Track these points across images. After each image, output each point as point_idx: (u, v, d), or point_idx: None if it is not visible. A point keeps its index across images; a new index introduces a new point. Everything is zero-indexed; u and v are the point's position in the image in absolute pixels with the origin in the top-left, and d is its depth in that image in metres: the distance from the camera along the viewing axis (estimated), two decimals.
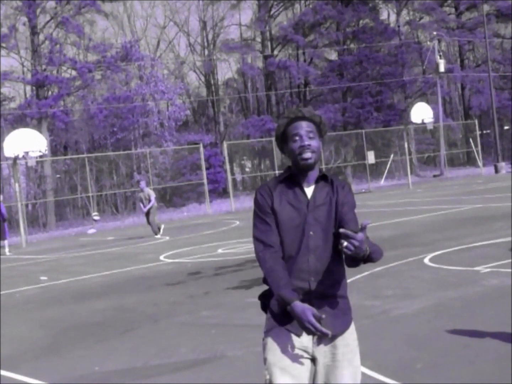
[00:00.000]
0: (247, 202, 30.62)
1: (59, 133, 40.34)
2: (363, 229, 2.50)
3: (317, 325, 2.52)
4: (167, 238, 18.70)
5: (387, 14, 53.19)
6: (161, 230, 19.45)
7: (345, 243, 2.47)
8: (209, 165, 37.20)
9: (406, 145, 33.53)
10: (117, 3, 46.33)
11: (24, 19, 37.76)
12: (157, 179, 37.13)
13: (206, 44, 51.37)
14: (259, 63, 52.55)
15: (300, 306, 2.55)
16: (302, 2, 52.64)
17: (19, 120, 36.98)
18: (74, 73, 39.61)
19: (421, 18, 51.11)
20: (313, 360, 2.75)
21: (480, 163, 37.81)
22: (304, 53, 50.63)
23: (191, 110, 50.81)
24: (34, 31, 37.48)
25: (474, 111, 50.14)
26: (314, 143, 2.76)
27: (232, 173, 40.47)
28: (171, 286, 10.06)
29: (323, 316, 2.54)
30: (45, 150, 24.22)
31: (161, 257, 13.86)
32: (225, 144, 30.74)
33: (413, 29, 49.91)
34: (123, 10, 50.31)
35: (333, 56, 51.00)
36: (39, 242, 24.63)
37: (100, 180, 38.50)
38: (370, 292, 7.76)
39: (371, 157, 34.71)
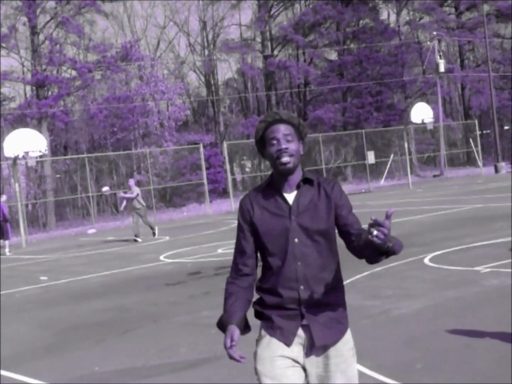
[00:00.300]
0: None
1: (59, 133, 40.34)
2: (388, 217, 2.33)
3: (230, 353, 2.54)
4: (167, 238, 18.70)
5: (387, 14, 53.25)
6: (156, 232, 19.08)
7: (375, 232, 2.31)
8: (209, 165, 37.20)
9: (406, 145, 33.52)
10: (117, 3, 46.34)
11: (24, 19, 37.74)
12: (157, 179, 37.13)
13: (206, 44, 51.39)
14: (259, 63, 52.56)
15: (228, 331, 2.59)
16: (302, 2, 52.65)
17: (19, 120, 36.97)
18: (74, 73, 39.60)
19: (421, 18, 51.11)
20: (305, 370, 2.67)
21: (480, 163, 37.81)
22: (304, 53, 50.63)
23: (191, 110, 50.81)
24: (34, 31, 37.47)
25: (474, 111, 50.14)
26: (292, 146, 2.66)
27: (232, 173, 40.46)
28: (171, 286, 10.06)
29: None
30: (45, 150, 24.22)
31: (161, 257, 13.87)
32: (225, 144, 30.74)
33: (413, 29, 49.90)
34: (123, 10, 50.35)
35: (333, 56, 51.02)
36: (39, 242, 24.63)
37: (100, 180, 38.48)
38: (370, 292, 7.77)
39: (371, 157, 34.70)
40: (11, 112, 38.98)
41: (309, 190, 2.71)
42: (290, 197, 2.69)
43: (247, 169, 50.14)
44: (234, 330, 2.60)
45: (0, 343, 7.29)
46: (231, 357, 2.56)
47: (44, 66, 37.61)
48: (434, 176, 38.68)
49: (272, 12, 51.39)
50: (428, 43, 43.28)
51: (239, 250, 2.79)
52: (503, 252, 9.35)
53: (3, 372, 6.05)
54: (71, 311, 8.92)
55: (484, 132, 48.77)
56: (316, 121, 45.35)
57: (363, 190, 33.33)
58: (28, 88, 43.66)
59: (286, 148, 2.64)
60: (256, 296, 2.77)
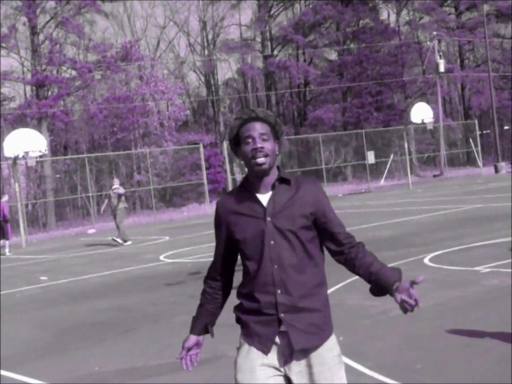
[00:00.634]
0: None
1: (59, 133, 40.36)
2: (415, 283, 2.44)
3: (183, 363, 2.78)
4: (167, 238, 18.70)
5: (387, 14, 53.26)
6: (120, 241, 18.03)
7: (407, 308, 2.44)
8: (209, 165, 37.20)
9: (406, 145, 33.52)
10: (117, 3, 46.36)
11: (24, 19, 37.77)
12: (157, 179, 37.14)
13: (206, 44, 51.40)
14: (259, 63, 52.57)
15: (188, 339, 2.76)
16: (302, 2, 52.66)
17: (19, 120, 36.98)
18: (74, 73, 39.63)
19: (421, 18, 51.11)
20: (289, 379, 2.57)
21: (480, 163, 37.82)
22: (304, 53, 50.65)
23: (191, 110, 50.84)
24: (34, 31, 37.49)
25: (474, 111, 50.15)
26: (268, 145, 2.55)
27: (232, 173, 40.41)
28: (171, 286, 10.06)
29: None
30: (45, 150, 24.22)
31: (161, 257, 13.87)
32: (225, 144, 30.75)
33: (413, 29, 49.91)
34: (123, 10, 50.35)
35: (333, 56, 51.04)
36: (39, 242, 24.64)
37: (100, 180, 38.49)
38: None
39: (371, 157, 34.71)
40: (11, 112, 38.99)
41: (286, 190, 2.59)
42: (265, 198, 2.58)
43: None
44: (190, 338, 2.76)
45: (0, 343, 7.29)
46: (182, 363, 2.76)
47: (44, 66, 37.62)
48: (434, 176, 38.68)
49: (272, 12, 51.41)
50: (428, 43, 43.27)
51: (217, 253, 2.74)
52: (503, 252, 9.34)
53: (3, 372, 6.05)
54: (71, 311, 8.92)
55: (484, 132, 48.79)
56: (316, 121, 45.37)
57: (363, 190, 33.33)
58: (28, 88, 43.69)
59: (262, 148, 2.54)
60: (237, 301, 2.70)
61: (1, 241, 20.30)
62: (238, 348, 2.65)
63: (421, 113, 32.44)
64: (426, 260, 9.50)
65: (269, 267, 2.53)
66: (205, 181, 29.95)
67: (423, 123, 32.68)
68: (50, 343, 7.12)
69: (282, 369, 2.56)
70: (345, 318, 6.46)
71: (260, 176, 2.58)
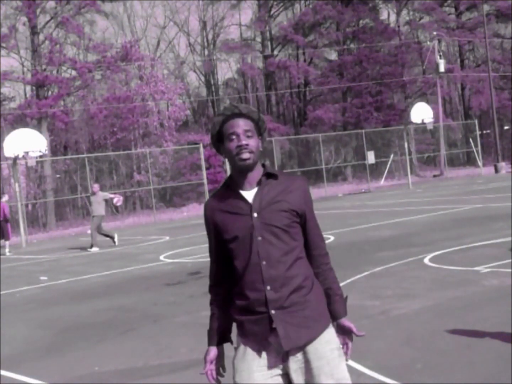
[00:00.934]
0: None
1: (59, 133, 40.36)
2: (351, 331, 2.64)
3: (208, 377, 2.68)
4: (167, 238, 18.70)
5: (387, 14, 53.27)
6: (116, 240, 17.92)
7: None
8: (209, 165, 37.18)
9: (406, 145, 33.52)
10: (117, 3, 46.41)
11: (24, 19, 37.78)
12: (157, 179, 37.15)
13: (206, 44, 51.43)
14: (259, 63, 52.60)
15: (208, 352, 2.69)
16: (302, 2, 52.67)
17: (19, 120, 36.99)
18: (74, 73, 39.64)
19: (421, 18, 51.13)
20: (289, 377, 2.54)
21: (480, 163, 37.82)
22: (304, 53, 50.66)
23: (191, 110, 50.84)
24: (34, 31, 37.50)
25: (474, 111, 50.16)
26: (252, 142, 2.53)
27: None
28: (171, 286, 10.06)
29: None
30: (45, 150, 24.21)
31: (161, 257, 13.86)
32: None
33: (413, 29, 49.93)
34: (123, 10, 50.41)
35: (333, 56, 51.05)
36: (39, 242, 24.64)
37: (100, 180, 38.49)
38: (370, 292, 7.76)
39: (371, 157, 34.71)
40: (11, 112, 38.99)
41: (273, 186, 2.57)
42: (250, 194, 2.56)
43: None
44: (210, 350, 2.68)
45: (0, 343, 7.29)
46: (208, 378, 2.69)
47: (44, 66, 37.63)
48: (434, 176, 38.68)
49: (272, 12, 51.43)
50: (428, 43, 43.30)
51: (213, 258, 2.71)
52: (503, 252, 9.34)
53: (3, 372, 6.05)
54: (71, 311, 8.92)
55: (484, 132, 48.78)
56: (316, 121, 45.37)
57: (363, 190, 33.33)
58: (28, 88, 43.72)
59: (247, 145, 2.51)
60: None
61: (1, 241, 20.30)
62: (235, 348, 2.63)
63: (421, 113, 32.44)
64: (426, 260, 9.50)
65: (257, 264, 2.51)
66: (205, 181, 29.94)
67: (423, 123, 32.68)
68: (50, 343, 7.12)
69: (279, 368, 2.54)
70: None
71: (244, 171, 2.56)
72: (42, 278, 12.77)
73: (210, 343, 2.69)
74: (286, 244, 2.53)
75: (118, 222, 29.71)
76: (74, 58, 40.63)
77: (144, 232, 21.96)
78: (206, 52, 51.43)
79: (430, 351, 5.20)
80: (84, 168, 31.80)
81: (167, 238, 18.67)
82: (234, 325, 2.65)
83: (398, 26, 48.08)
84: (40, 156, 25.31)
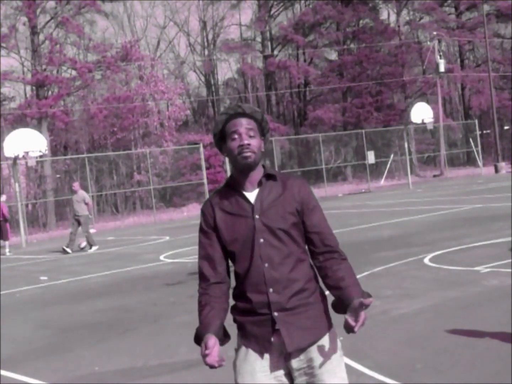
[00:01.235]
0: None
1: (59, 133, 40.35)
2: (362, 304, 2.38)
3: (205, 361, 2.39)
4: (167, 238, 18.70)
5: (387, 14, 53.28)
6: (93, 248, 17.42)
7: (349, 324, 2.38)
8: (209, 165, 37.18)
9: (406, 145, 33.53)
10: (117, 3, 46.41)
11: (24, 19, 37.75)
12: (157, 179, 37.14)
13: (206, 44, 51.42)
14: (259, 63, 52.60)
15: (203, 340, 2.44)
16: (302, 2, 52.67)
17: (19, 120, 36.97)
18: (74, 73, 39.62)
19: (421, 18, 51.14)
20: (291, 377, 2.54)
21: (480, 163, 37.82)
22: (304, 53, 50.67)
23: (191, 110, 50.84)
24: (34, 31, 37.48)
25: (474, 111, 50.16)
26: (254, 142, 2.51)
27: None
28: (171, 286, 10.06)
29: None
30: (45, 150, 24.21)
31: (161, 257, 13.86)
32: None
33: (413, 29, 49.93)
34: (123, 10, 50.41)
35: (333, 56, 51.05)
36: (39, 242, 24.63)
37: (100, 180, 38.49)
38: (370, 292, 7.75)
39: (371, 157, 34.71)
40: (11, 112, 38.98)
41: (273, 187, 2.55)
42: (252, 195, 2.54)
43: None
44: (209, 337, 2.43)
45: (0, 343, 7.29)
46: (207, 364, 2.40)
47: (44, 66, 37.61)
48: (434, 176, 38.68)
49: (272, 12, 51.43)
50: (428, 43, 43.30)
51: (206, 258, 2.67)
52: (503, 252, 9.34)
53: (3, 372, 6.04)
54: (71, 311, 8.92)
55: (484, 132, 48.79)
56: (316, 121, 45.38)
57: (363, 190, 33.33)
58: (28, 88, 43.70)
59: (249, 144, 2.49)
60: (233, 303, 2.65)
61: (1, 241, 20.30)
62: (236, 350, 2.62)
63: (421, 113, 32.44)
64: (426, 260, 9.50)
65: (259, 266, 2.49)
66: (205, 181, 29.93)
67: (423, 123, 32.69)
68: (50, 343, 7.12)
69: (282, 369, 2.53)
70: None
71: (246, 171, 2.53)
72: (42, 278, 12.77)
73: (206, 330, 2.50)
74: (287, 247, 2.51)
75: (118, 222, 29.72)
76: (74, 58, 40.62)
77: (144, 232, 21.96)
78: (206, 52, 51.44)
79: (430, 351, 5.20)
80: (84, 168, 31.80)
81: (167, 238, 18.67)
82: (235, 326, 2.65)
83: (398, 26, 48.08)
84: (40, 156, 25.30)
